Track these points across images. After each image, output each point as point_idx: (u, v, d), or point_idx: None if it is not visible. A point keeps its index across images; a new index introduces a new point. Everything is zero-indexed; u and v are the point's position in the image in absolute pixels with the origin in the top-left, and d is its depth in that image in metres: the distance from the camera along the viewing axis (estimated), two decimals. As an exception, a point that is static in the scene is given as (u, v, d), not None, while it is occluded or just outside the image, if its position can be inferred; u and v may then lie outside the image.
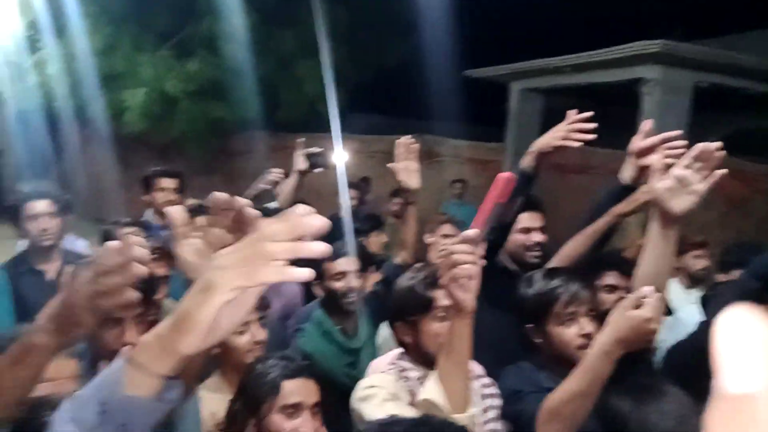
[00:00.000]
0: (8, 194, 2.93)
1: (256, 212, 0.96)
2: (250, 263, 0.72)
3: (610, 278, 2.11)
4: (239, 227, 1.01)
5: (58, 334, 0.98)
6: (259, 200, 3.59)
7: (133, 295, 0.94)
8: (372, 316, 2.51)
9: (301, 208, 0.74)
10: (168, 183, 3.74)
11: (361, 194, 5.54)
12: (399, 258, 2.57)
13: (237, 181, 9.12)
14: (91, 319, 0.96)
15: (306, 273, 0.71)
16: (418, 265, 1.81)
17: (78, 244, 3.55)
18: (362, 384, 1.62)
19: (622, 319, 1.32)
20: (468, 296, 1.30)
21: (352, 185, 5.42)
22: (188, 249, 1.05)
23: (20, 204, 2.81)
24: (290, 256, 0.72)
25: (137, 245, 0.93)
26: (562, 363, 1.56)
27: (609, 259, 2.19)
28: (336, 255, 2.44)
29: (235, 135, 9.29)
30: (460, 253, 1.29)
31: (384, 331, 2.45)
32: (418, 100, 9.91)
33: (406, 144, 2.43)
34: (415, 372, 1.62)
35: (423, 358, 1.62)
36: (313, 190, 3.30)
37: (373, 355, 2.28)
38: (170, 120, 8.54)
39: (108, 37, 8.05)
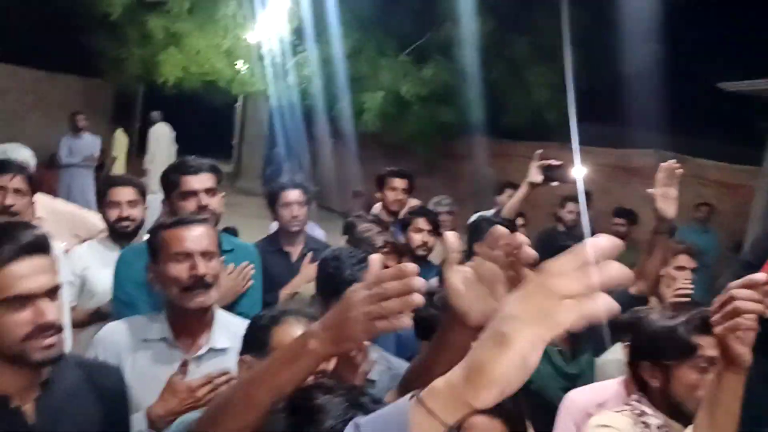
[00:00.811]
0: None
1: (534, 252, 0.91)
2: (545, 310, 0.68)
3: None
4: (513, 264, 0.97)
5: (331, 344, 1.01)
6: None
7: (408, 322, 0.94)
8: (593, 342, 2.40)
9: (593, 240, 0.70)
10: (399, 183, 3.97)
11: (580, 210, 5.31)
12: (635, 288, 2.41)
13: (457, 184, 9.36)
14: (365, 337, 0.98)
15: (612, 303, 0.66)
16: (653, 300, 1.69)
17: (317, 231, 3.95)
18: (594, 420, 1.54)
19: None
20: (746, 350, 1.15)
21: (571, 199, 5.21)
22: (458, 276, 1.03)
23: (277, 191, 3.20)
24: (587, 289, 0.67)
25: (417, 275, 0.93)
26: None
27: None
28: None
29: (459, 138, 9.50)
30: (745, 301, 1.13)
31: (601, 359, 2.33)
32: (655, 112, 9.15)
33: (669, 169, 2.26)
34: (655, 419, 1.49)
35: (668, 406, 1.49)
36: (528, 201, 3.22)
37: (591, 381, 2.18)
38: (402, 122, 9.04)
39: (356, 41, 8.78)
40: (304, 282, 2.81)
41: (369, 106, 8.63)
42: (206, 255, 1.83)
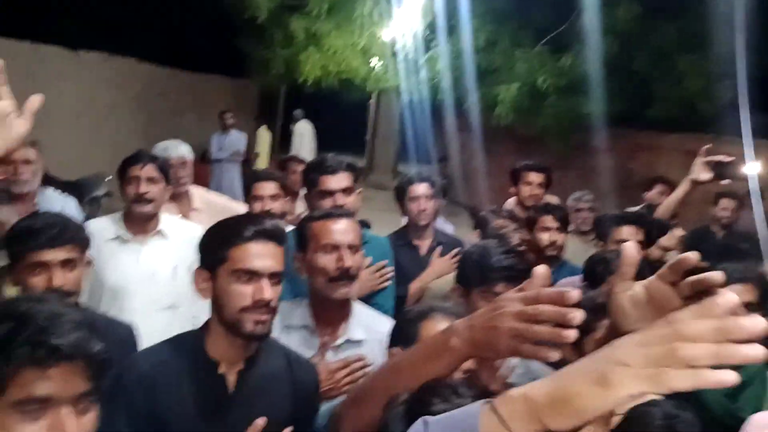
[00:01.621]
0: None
1: (720, 277, 0.78)
2: (659, 365, 0.64)
3: None
4: (691, 291, 0.85)
5: (473, 347, 0.99)
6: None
7: (556, 356, 0.87)
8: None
9: (727, 300, 0.64)
10: (535, 177, 3.84)
11: (738, 208, 4.80)
12: None
13: (595, 179, 8.89)
14: (507, 355, 0.95)
15: (733, 378, 0.62)
16: None
17: (446, 226, 3.93)
18: None
19: None
20: None
21: (725, 195, 4.75)
22: (626, 294, 0.93)
23: (405, 186, 3.22)
24: (713, 362, 0.62)
25: (576, 299, 0.86)
26: None
27: None
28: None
29: (597, 131, 9.03)
30: None
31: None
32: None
33: None
34: None
35: None
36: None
37: (762, 393, 1.97)
38: (536, 114, 8.76)
39: (490, 34, 8.63)
40: (434, 276, 2.81)
41: (503, 99, 8.44)
42: (352, 248, 1.89)
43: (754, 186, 3.01)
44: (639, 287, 0.91)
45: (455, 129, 10.67)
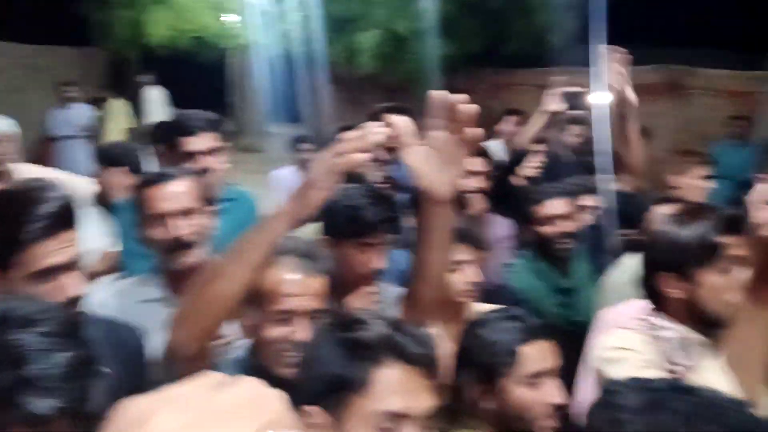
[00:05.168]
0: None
1: (469, 105, 1.10)
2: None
3: None
4: (457, 126, 1.13)
5: (292, 201, 1.19)
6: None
7: (363, 157, 1.13)
8: (591, 251, 2.31)
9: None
10: (395, 120, 3.85)
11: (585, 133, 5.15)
12: (626, 184, 2.27)
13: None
14: (327, 184, 1.15)
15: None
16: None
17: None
18: (608, 342, 1.45)
19: None
20: None
21: (574, 120, 5.06)
22: (415, 156, 1.17)
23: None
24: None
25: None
26: None
27: None
28: (545, 196, 2.29)
29: (460, 73, 9.22)
30: None
31: (618, 271, 2.23)
32: (665, 26, 8.82)
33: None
34: (671, 332, 1.38)
35: (692, 317, 1.38)
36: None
37: (592, 295, 2.11)
38: (400, 60, 8.72)
39: (343, -20, 8.40)
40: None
41: (364, 47, 8.31)
42: (187, 212, 1.69)
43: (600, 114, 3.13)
44: (423, 147, 1.20)
45: (319, 82, 10.46)
